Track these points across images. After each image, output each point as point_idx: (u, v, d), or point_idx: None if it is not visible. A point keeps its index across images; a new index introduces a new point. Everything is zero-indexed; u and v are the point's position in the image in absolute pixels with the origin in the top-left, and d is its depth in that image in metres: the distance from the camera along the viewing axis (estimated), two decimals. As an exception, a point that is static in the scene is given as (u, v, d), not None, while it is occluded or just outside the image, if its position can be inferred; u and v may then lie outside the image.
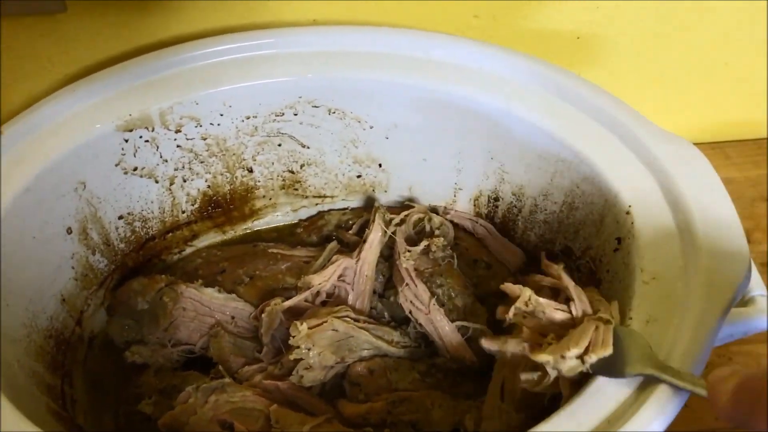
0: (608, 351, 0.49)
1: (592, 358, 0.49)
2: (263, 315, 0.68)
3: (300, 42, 0.73)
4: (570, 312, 0.56)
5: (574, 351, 0.49)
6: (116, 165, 0.70)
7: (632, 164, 0.64)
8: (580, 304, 0.56)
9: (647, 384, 0.48)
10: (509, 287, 0.58)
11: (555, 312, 0.56)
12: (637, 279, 0.56)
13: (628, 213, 0.60)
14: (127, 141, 0.69)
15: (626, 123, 0.66)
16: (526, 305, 0.56)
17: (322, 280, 0.70)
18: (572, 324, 0.54)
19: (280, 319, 0.68)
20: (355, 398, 0.65)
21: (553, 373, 0.51)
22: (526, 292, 0.56)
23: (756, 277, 0.58)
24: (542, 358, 0.50)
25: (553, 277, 0.60)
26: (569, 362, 0.49)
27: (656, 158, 0.63)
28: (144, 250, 0.77)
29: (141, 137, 0.70)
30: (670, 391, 0.46)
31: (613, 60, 0.88)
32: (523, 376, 0.53)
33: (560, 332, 0.54)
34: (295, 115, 0.75)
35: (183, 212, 0.78)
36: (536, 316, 0.56)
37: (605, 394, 0.48)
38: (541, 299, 0.56)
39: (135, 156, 0.70)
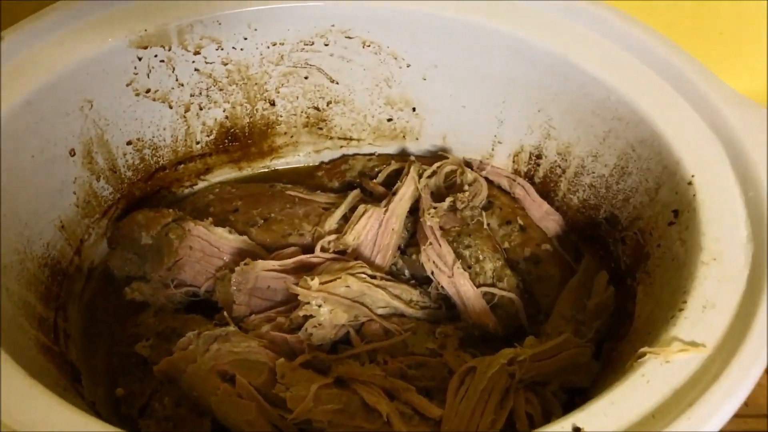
0: None
1: None
2: (234, 273, 0.62)
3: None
4: None
5: None
6: (127, 85, 0.64)
7: (698, 128, 0.57)
8: None
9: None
10: None
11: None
12: (695, 259, 0.49)
13: (690, 183, 0.54)
14: (140, 59, 0.63)
15: (695, 81, 0.59)
16: None
17: (355, 237, 0.65)
18: None
19: (256, 276, 0.62)
20: (368, 358, 0.60)
21: None
22: None
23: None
24: None
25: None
26: None
27: (726, 123, 0.56)
28: (153, 180, 0.72)
29: (156, 56, 0.64)
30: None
31: (678, 7, 0.80)
32: None
33: None
34: (326, 45, 0.68)
35: (197, 143, 0.72)
36: None
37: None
38: None
39: (148, 77, 0.65)
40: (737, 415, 0.41)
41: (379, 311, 0.62)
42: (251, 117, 0.73)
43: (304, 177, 0.77)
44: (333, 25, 0.66)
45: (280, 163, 0.78)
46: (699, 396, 0.41)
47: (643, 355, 0.44)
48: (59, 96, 0.59)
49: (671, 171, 0.56)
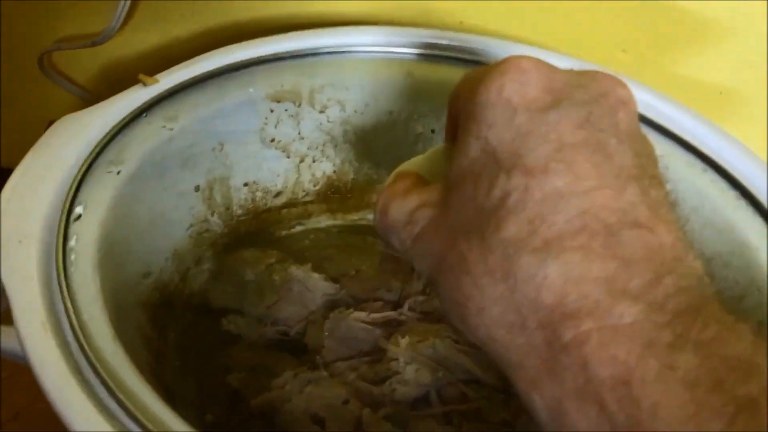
0: None
1: None
2: (327, 320, 0.66)
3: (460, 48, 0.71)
4: None
5: None
6: (256, 132, 0.69)
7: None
8: None
9: None
10: None
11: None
12: None
13: None
14: (272, 111, 0.68)
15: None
16: None
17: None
18: None
19: (347, 325, 0.66)
20: (444, 420, 0.64)
21: None
22: None
23: None
24: None
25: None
26: None
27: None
28: (258, 220, 0.76)
29: (286, 110, 0.69)
30: None
31: (750, 122, 0.83)
32: None
33: None
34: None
35: (303, 191, 0.77)
36: None
37: None
38: None
39: (276, 128, 0.70)
40: None
41: (460, 375, 0.66)
42: (356, 174, 0.78)
43: (392, 234, 0.81)
44: (449, 104, 0.71)
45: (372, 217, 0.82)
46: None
47: None
48: (198, 136, 0.64)
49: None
